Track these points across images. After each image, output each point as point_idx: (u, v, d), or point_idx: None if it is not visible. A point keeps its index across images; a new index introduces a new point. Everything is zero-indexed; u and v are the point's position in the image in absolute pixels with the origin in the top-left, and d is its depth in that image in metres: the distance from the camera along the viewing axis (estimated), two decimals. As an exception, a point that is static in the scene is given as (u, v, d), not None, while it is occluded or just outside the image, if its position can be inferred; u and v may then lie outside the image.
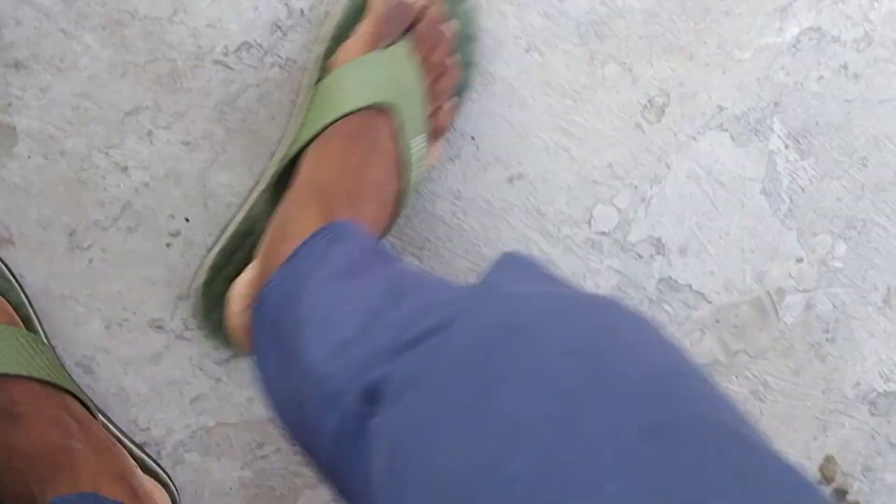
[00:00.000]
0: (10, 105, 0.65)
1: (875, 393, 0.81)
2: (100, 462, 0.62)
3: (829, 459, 0.84)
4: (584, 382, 0.32)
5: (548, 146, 0.71)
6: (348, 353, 0.44)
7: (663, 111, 0.71)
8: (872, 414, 0.81)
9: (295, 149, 0.62)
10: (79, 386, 0.67)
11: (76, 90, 0.65)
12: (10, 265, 0.67)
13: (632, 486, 0.28)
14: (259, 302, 0.55)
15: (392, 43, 0.63)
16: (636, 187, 0.72)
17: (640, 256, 0.74)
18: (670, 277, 0.75)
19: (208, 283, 0.67)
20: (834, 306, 0.79)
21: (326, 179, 0.60)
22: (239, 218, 0.67)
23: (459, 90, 0.68)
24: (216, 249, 0.67)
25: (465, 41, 0.67)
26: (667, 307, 0.76)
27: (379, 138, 0.62)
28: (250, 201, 0.66)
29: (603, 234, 0.73)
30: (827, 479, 0.85)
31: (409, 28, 0.64)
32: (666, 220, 0.74)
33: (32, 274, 0.68)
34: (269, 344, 0.53)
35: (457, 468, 0.32)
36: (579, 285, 0.48)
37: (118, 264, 0.69)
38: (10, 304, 0.65)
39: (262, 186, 0.66)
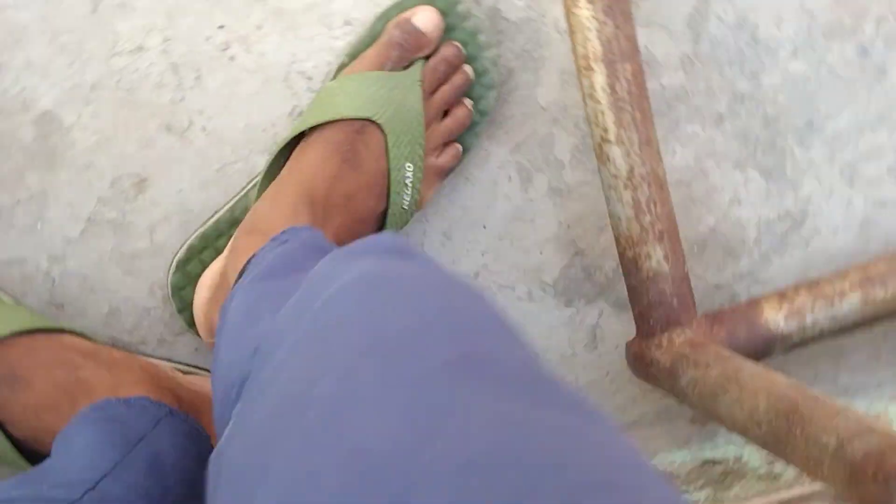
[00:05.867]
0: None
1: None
2: (115, 375, 0.60)
3: None
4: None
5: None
6: (222, 383, 0.46)
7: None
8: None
9: (276, 148, 0.63)
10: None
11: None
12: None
13: None
14: (222, 314, 0.55)
15: (405, 68, 0.63)
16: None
17: None
18: None
19: (184, 262, 0.68)
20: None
21: (300, 181, 0.60)
22: (227, 206, 0.67)
23: (468, 136, 0.67)
24: (198, 232, 0.68)
25: (482, 89, 0.67)
26: None
27: (365, 155, 0.61)
28: (243, 192, 0.67)
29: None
30: None
31: (428, 58, 0.64)
32: None
33: None
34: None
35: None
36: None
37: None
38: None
39: (257, 178, 0.66)
